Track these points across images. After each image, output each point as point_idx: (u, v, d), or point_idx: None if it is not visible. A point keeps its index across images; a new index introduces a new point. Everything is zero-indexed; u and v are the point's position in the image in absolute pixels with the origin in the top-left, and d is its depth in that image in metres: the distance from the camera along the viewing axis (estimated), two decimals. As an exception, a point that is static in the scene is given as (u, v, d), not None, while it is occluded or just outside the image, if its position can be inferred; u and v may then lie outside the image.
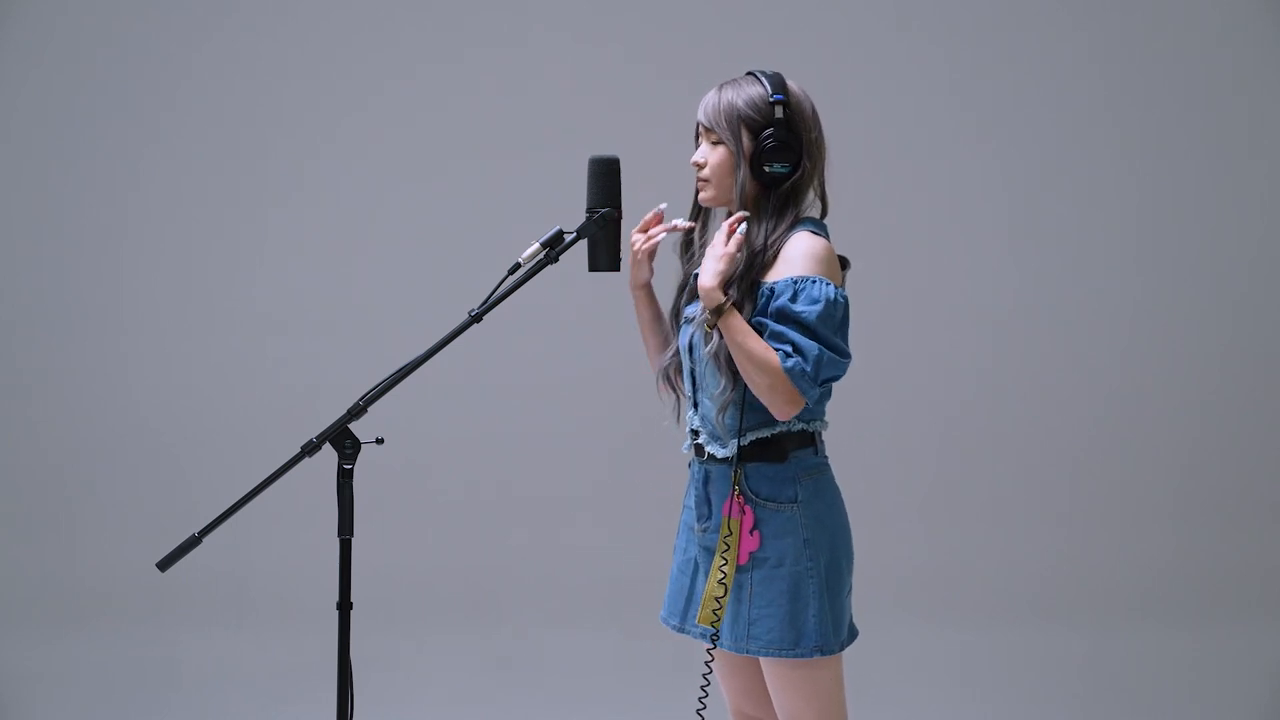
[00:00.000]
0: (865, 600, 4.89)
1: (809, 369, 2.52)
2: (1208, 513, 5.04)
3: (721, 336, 2.60)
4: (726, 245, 2.59)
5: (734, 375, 2.63)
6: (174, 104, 5.03)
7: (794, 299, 2.56)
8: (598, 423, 4.95)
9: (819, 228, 2.67)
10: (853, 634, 2.76)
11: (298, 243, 5.05)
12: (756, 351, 2.54)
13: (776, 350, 2.54)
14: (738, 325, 2.57)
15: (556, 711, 4.55)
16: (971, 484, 5.02)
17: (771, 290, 2.59)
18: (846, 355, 2.58)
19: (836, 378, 2.58)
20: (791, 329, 2.55)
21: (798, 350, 2.53)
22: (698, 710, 2.75)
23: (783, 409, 2.57)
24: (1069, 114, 5.05)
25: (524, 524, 4.99)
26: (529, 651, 4.81)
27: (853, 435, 4.97)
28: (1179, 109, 5.06)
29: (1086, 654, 4.78)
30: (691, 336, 2.73)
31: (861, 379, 5.00)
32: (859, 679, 4.58)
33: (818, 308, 2.54)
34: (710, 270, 2.58)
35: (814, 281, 2.56)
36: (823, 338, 2.54)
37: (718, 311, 2.57)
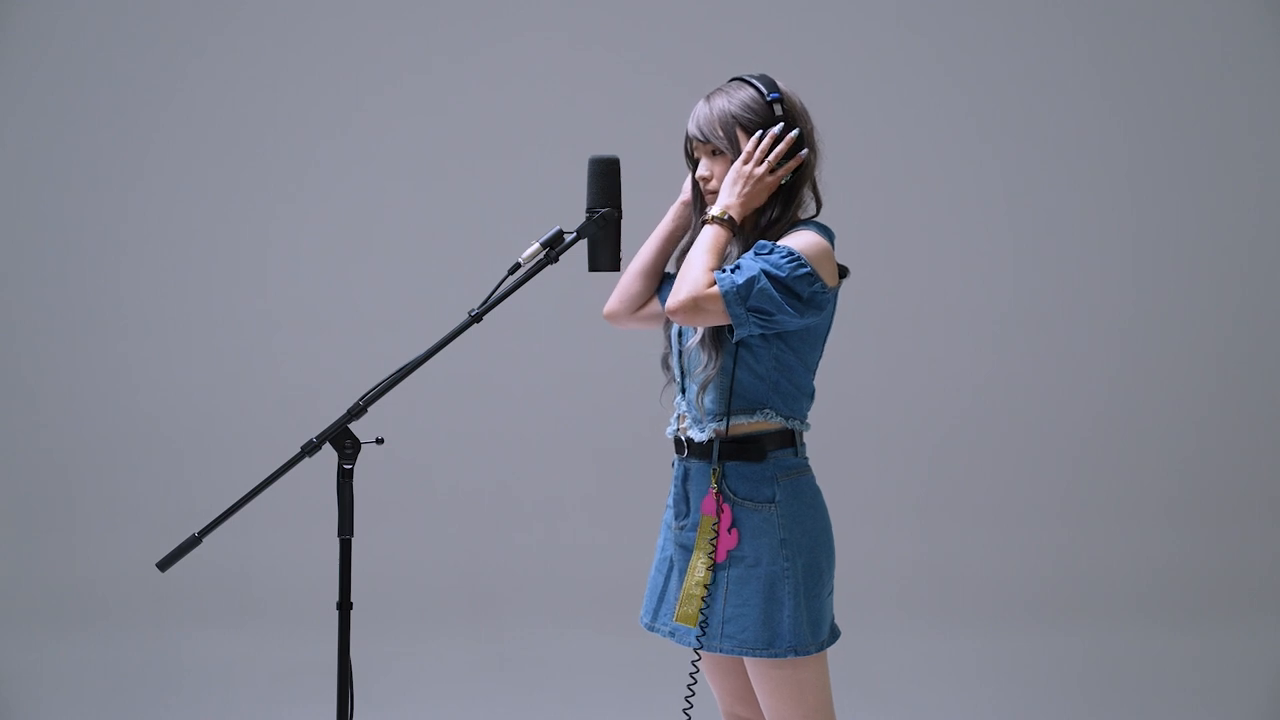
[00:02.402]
0: (866, 600, 4.91)
1: (739, 283, 2.51)
2: (1208, 513, 5.04)
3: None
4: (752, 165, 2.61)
5: (716, 350, 2.64)
6: (174, 104, 5.03)
7: (770, 252, 2.56)
8: (598, 423, 4.95)
9: (823, 231, 2.67)
10: (834, 634, 2.73)
11: (298, 243, 5.05)
12: (705, 262, 2.56)
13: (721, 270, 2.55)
14: (716, 239, 2.59)
15: (556, 711, 4.55)
16: (971, 484, 5.02)
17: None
18: (793, 311, 2.54)
19: (768, 313, 2.53)
20: (746, 259, 2.56)
21: (738, 270, 2.54)
22: (684, 710, 2.75)
23: (687, 312, 2.55)
24: (1069, 114, 5.05)
25: (524, 524, 4.99)
26: (529, 651, 4.81)
27: (853, 435, 5.00)
28: (1179, 108, 5.05)
29: (1086, 654, 4.78)
30: (680, 326, 2.73)
31: (862, 379, 5.05)
32: (859, 679, 4.60)
33: (781, 258, 2.54)
34: (735, 189, 2.61)
35: (793, 251, 2.56)
36: (772, 275, 2.52)
37: (720, 219, 2.60)
